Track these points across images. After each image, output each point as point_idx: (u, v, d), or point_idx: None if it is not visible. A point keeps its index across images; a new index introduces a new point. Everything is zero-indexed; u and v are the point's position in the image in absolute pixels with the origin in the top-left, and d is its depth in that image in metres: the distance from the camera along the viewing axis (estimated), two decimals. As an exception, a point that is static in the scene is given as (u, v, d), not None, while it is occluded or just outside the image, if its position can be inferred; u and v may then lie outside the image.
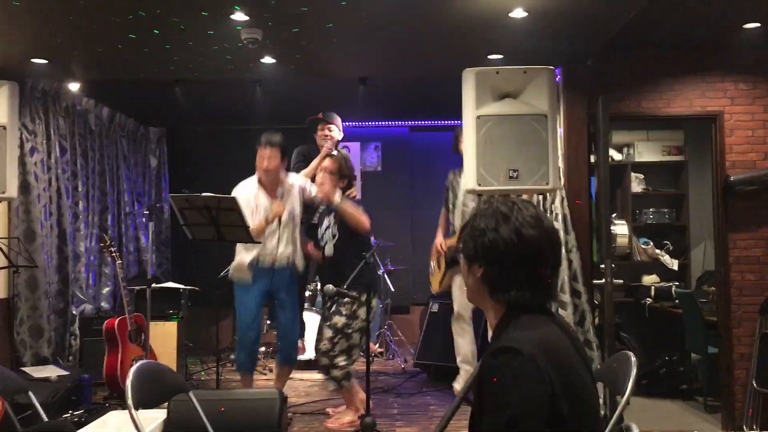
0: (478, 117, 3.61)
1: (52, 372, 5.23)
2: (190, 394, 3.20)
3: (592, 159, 5.08)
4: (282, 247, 4.62)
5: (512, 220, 1.64)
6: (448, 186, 5.21)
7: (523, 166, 3.57)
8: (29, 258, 5.24)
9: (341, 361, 4.36)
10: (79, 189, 6.35)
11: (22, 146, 5.42)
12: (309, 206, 4.98)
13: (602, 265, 4.37)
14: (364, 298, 4.29)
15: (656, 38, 4.80)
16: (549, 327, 1.62)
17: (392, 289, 7.17)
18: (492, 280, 1.65)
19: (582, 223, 4.99)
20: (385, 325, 7.16)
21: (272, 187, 4.68)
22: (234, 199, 4.16)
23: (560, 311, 4.94)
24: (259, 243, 4.45)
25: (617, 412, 2.61)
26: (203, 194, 4.21)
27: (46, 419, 3.02)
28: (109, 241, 5.43)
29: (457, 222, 5.07)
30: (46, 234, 5.73)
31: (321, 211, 4.91)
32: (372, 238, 6.91)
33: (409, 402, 5.16)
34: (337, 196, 4.42)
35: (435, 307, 6.11)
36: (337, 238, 4.50)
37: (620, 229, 6.34)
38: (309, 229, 5.05)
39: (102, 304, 6.71)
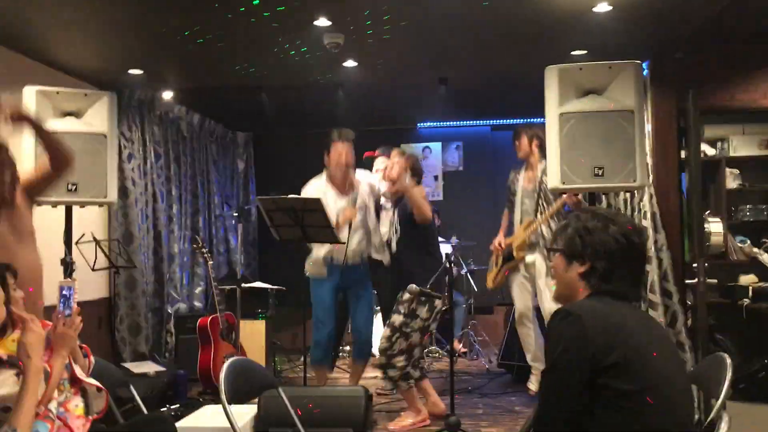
0: (561, 114, 3.56)
1: (150, 368, 5.49)
2: (280, 389, 3.30)
3: (683, 155, 4.92)
4: (354, 244, 4.66)
5: (619, 223, 1.84)
6: (508, 185, 5.17)
7: (608, 164, 3.49)
8: (128, 259, 5.52)
9: (399, 361, 4.30)
10: (173, 193, 6.63)
11: (120, 153, 5.72)
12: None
13: (695, 264, 4.22)
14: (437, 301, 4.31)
15: (749, 27, 4.59)
16: (622, 308, 1.77)
17: (475, 289, 7.13)
18: (596, 274, 1.81)
19: (673, 221, 4.83)
20: (468, 325, 7.13)
21: (342, 184, 4.71)
22: (318, 201, 4.26)
23: (650, 311, 4.80)
24: (344, 243, 4.53)
25: (711, 415, 2.53)
26: (289, 196, 4.32)
27: (145, 412, 3.18)
28: (200, 243, 5.65)
29: (517, 221, 5.01)
30: (143, 236, 6.02)
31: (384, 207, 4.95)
32: (454, 238, 6.96)
33: (494, 402, 5.12)
34: (407, 179, 4.39)
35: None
36: (399, 234, 4.50)
37: (714, 226, 6.07)
38: None
39: (195, 303, 6.99)
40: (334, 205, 4.63)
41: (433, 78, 5.55)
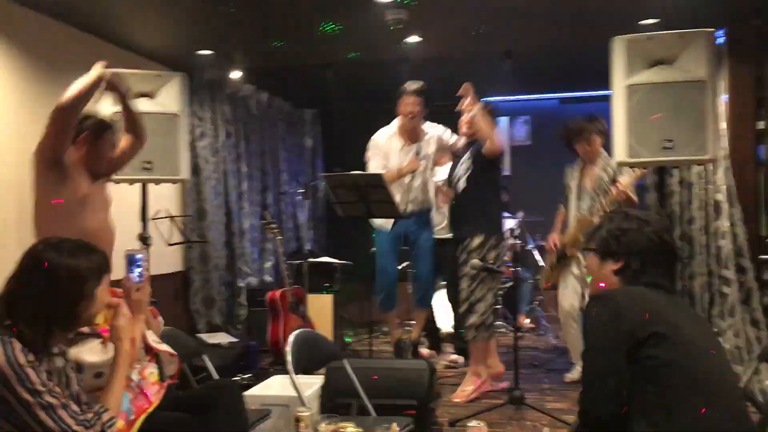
0: (629, 86, 3.47)
1: (223, 339, 5.70)
2: (344, 361, 3.39)
3: (761, 126, 4.73)
4: (414, 193, 4.89)
5: (652, 223, 1.93)
6: (565, 183, 5.02)
7: (678, 136, 3.40)
8: (201, 234, 5.72)
9: (480, 307, 4.39)
10: (243, 170, 6.80)
11: (192, 132, 5.90)
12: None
13: (770, 240, 4.08)
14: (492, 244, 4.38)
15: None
16: (655, 293, 1.82)
17: (542, 265, 7.06)
18: (632, 271, 1.88)
19: (749, 195, 4.68)
20: (535, 301, 7.08)
21: (410, 133, 4.90)
22: (380, 176, 4.31)
23: (724, 288, 4.68)
24: (405, 216, 4.64)
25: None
26: (352, 173, 4.39)
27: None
28: (269, 219, 5.80)
29: (571, 219, 4.85)
30: (215, 212, 6.22)
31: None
32: (520, 213, 6.90)
33: (560, 378, 5.10)
34: (477, 108, 4.48)
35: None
36: (470, 171, 4.55)
37: (794, 200, 5.83)
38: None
39: (265, 277, 7.18)
40: (398, 152, 4.89)
41: (498, 51, 5.47)
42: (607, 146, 4.31)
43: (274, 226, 5.75)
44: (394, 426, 2.35)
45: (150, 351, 2.67)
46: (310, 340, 3.27)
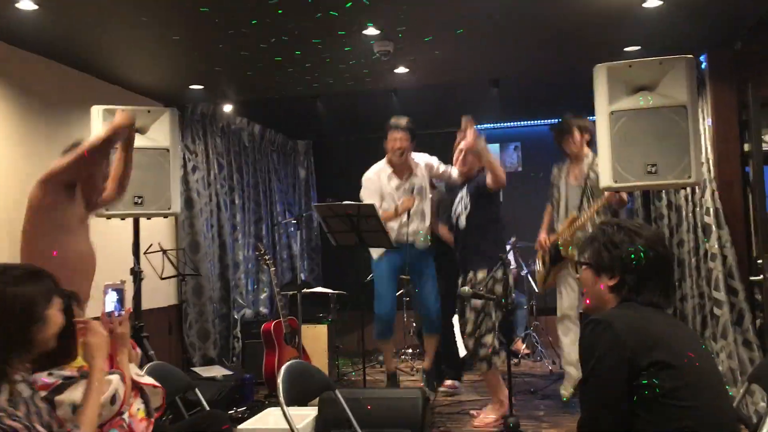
0: (612, 113, 3.53)
1: (218, 372, 5.68)
2: (336, 392, 3.39)
3: (747, 148, 4.78)
4: (413, 225, 4.89)
5: (644, 236, 1.88)
6: (552, 182, 5.07)
7: (661, 161, 3.44)
8: (194, 267, 5.73)
9: (488, 339, 4.44)
10: (236, 202, 6.84)
11: (184, 165, 5.95)
12: (451, 188, 5.17)
13: (760, 261, 4.10)
14: (497, 277, 4.39)
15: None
16: (651, 313, 1.80)
17: (537, 290, 7.08)
18: (626, 287, 1.86)
19: (737, 217, 4.71)
20: (531, 327, 7.08)
21: (401, 168, 4.94)
22: (372, 206, 4.34)
23: (715, 310, 4.69)
24: (396, 248, 4.66)
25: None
26: (344, 202, 4.42)
27: (210, 413, 3.31)
28: (263, 250, 5.82)
29: (561, 217, 4.88)
30: (209, 244, 6.24)
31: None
32: (512, 238, 6.93)
33: (556, 404, 5.08)
34: (482, 141, 4.54)
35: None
36: (469, 210, 4.60)
37: (783, 221, 5.87)
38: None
39: (261, 308, 7.18)
40: (390, 188, 4.92)
41: (485, 80, 5.55)
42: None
43: (267, 257, 5.77)
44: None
45: (134, 385, 2.66)
46: (302, 371, 3.26)
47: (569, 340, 4.87)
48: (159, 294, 5.53)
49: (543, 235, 5.02)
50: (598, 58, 3.86)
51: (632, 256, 1.84)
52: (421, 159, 5.08)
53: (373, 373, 6.45)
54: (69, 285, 2.70)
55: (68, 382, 2.42)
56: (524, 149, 8.25)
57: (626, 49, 4.71)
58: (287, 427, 3.11)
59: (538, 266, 5.20)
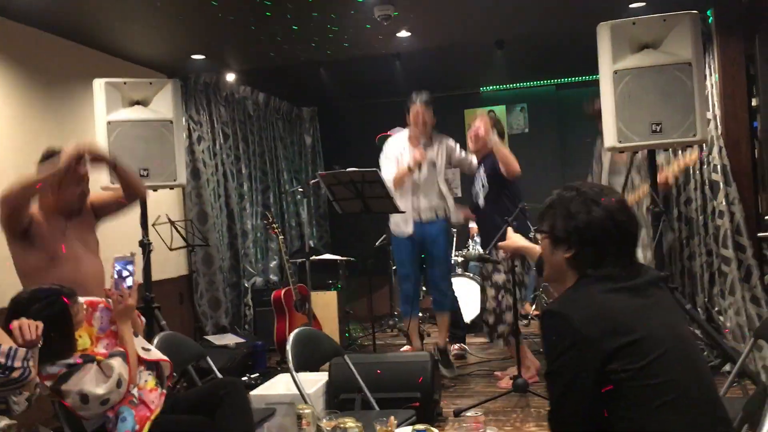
0: (615, 72, 3.48)
1: (230, 340, 5.75)
2: (345, 357, 3.44)
3: (754, 103, 4.73)
4: (423, 200, 4.84)
5: (603, 204, 1.73)
6: (596, 156, 4.97)
7: (666, 119, 3.41)
8: (203, 238, 5.77)
9: (509, 317, 4.49)
10: (243, 171, 6.85)
11: (190, 136, 5.95)
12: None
13: (767, 217, 4.09)
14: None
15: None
16: (610, 290, 1.68)
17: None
18: (584, 260, 1.74)
19: (744, 173, 4.68)
20: (540, 288, 7.11)
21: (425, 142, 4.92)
22: (376, 172, 4.34)
23: (723, 267, 4.69)
24: (404, 213, 4.65)
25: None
26: (348, 170, 4.41)
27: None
28: (271, 218, 5.84)
29: None
30: (216, 214, 6.27)
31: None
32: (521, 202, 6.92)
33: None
34: (494, 135, 4.55)
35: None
36: (487, 189, 4.61)
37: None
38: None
39: (271, 276, 7.23)
40: (407, 157, 4.85)
41: (490, 42, 5.49)
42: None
43: (275, 225, 5.79)
44: (392, 419, 2.38)
45: (141, 362, 2.71)
46: (311, 337, 3.31)
47: None
48: (169, 265, 5.58)
49: None
50: (602, 16, 3.78)
51: (588, 226, 1.72)
52: (444, 138, 5.05)
53: (384, 337, 6.52)
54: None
55: (73, 370, 2.47)
56: (531, 110, 8.18)
57: (631, 5, 4.63)
58: (297, 392, 3.18)
59: None
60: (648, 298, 1.70)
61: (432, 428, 2.46)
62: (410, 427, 2.51)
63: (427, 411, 3.72)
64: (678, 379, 1.60)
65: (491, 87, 8.07)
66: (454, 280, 5.62)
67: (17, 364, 2.13)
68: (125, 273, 2.61)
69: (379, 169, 4.64)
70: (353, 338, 6.51)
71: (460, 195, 7.46)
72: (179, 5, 4.20)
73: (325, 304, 6.11)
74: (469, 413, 2.40)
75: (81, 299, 2.63)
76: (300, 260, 6.24)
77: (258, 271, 6.97)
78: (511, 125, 8.20)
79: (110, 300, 2.68)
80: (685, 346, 1.69)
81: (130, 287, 2.61)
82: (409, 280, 5.00)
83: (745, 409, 1.90)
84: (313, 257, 5.89)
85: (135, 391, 2.63)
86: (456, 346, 5.58)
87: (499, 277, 4.52)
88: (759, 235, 4.49)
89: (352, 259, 6.53)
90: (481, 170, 4.73)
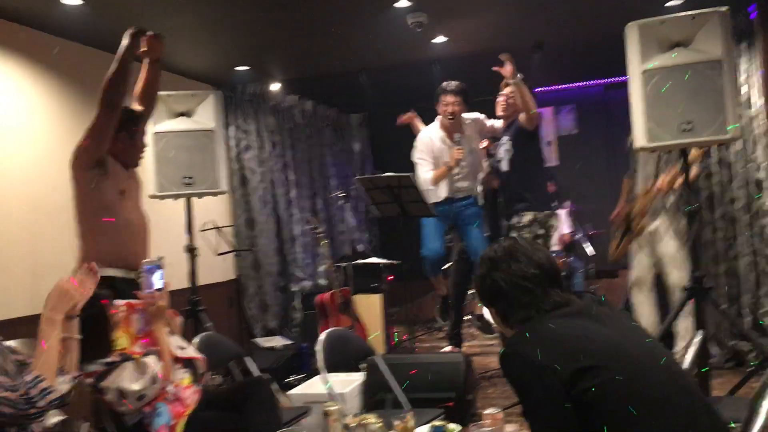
0: (644, 71, 3.46)
1: (278, 342, 5.93)
2: (377, 357, 3.53)
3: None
4: (461, 181, 4.98)
5: (501, 263, 1.87)
6: (632, 149, 4.94)
7: (697, 118, 3.36)
8: (252, 243, 5.96)
9: None
10: (290, 178, 7.02)
11: (237, 144, 6.16)
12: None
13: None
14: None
15: None
16: (558, 320, 1.74)
17: (593, 253, 7.01)
18: (503, 315, 1.89)
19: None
20: (589, 291, 7.04)
21: (451, 130, 4.99)
22: (410, 177, 4.42)
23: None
24: (435, 216, 4.74)
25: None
26: (384, 174, 4.51)
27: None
28: (315, 224, 5.99)
29: (640, 187, 4.76)
30: (264, 221, 6.45)
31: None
32: (568, 202, 6.88)
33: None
34: (518, 76, 4.56)
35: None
36: (511, 153, 4.66)
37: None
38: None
39: (320, 281, 7.37)
40: (441, 150, 4.99)
41: (528, 43, 5.49)
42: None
43: (319, 230, 5.93)
44: (409, 416, 2.45)
45: (177, 360, 2.85)
46: (342, 338, 3.41)
47: (645, 309, 4.69)
48: (217, 269, 5.78)
49: (619, 207, 4.82)
50: (640, 15, 3.75)
51: (491, 287, 1.88)
52: (470, 116, 5.15)
53: (430, 340, 6.57)
54: (123, 254, 2.92)
55: (111, 368, 2.63)
56: (579, 111, 8.11)
57: (667, 4, 4.58)
58: (336, 392, 3.29)
59: (613, 239, 5.03)
60: (593, 317, 1.75)
61: (450, 425, 2.53)
62: (428, 425, 2.59)
63: (460, 411, 3.77)
64: (650, 387, 1.61)
65: (537, 89, 8.02)
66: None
67: (41, 403, 2.06)
68: (154, 277, 2.76)
69: (414, 169, 4.75)
70: (400, 340, 6.58)
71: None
72: (222, 19, 4.38)
73: (369, 306, 6.20)
74: (487, 411, 2.44)
75: (119, 302, 2.80)
76: (342, 264, 6.36)
77: (307, 275, 7.12)
78: (558, 126, 8.15)
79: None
80: (646, 355, 1.70)
81: (160, 290, 2.76)
82: (430, 243, 5.07)
83: (751, 405, 1.88)
84: (356, 261, 6.00)
85: (170, 388, 2.77)
86: None
87: None
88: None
89: (394, 262, 6.60)
90: (505, 137, 4.77)
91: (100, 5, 3.92)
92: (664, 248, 4.49)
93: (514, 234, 4.60)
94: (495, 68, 4.61)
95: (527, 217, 4.51)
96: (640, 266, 4.73)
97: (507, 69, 4.57)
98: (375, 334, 5.81)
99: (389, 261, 6.56)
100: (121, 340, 2.77)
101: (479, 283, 1.94)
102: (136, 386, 2.62)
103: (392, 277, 6.55)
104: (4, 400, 1.98)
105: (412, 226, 5.47)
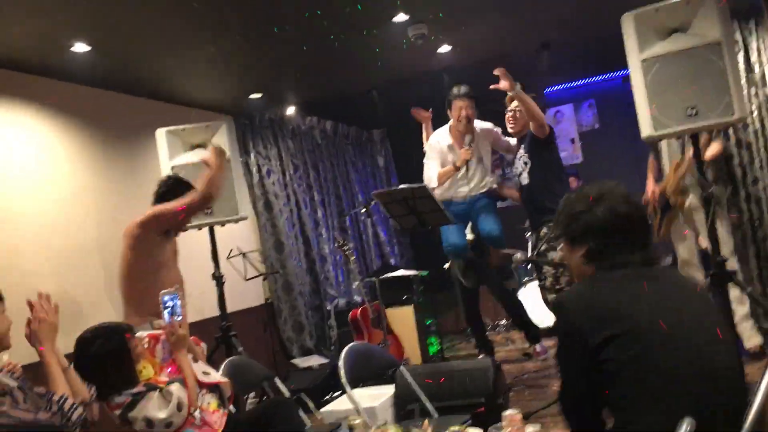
0: (644, 60, 3.45)
1: (315, 361, 5.98)
2: (402, 369, 3.55)
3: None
4: (473, 185, 5.03)
5: (604, 201, 1.85)
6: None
7: (701, 102, 3.33)
8: (282, 265, 6.05)
9: None
10: (316, 198, 7.11)
11: (259, 170, 6.28)
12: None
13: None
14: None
15: None
16: (618, 279, 1.79)
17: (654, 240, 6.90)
18: (596, 255, 1.85)
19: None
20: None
21: (462, 135, 5.03)
22: (425, 188, 4.45)
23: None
24: (454, 223, 4.78)
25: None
26: (399, 187, 4.55)
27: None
28: (341, 241, 6.05)
29: (665, 164, 4.73)
30: (292, 243, 6.54)
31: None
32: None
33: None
34: (517, 86, 4.53)
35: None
36: (529, 165, 4.64)
37: None
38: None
39: (355, 297, 7.43)
40: (451, 156, 5.03)
41: (535, 44, 5.50)
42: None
43: (346, 247, 5.99)
44: (426, 422, 2.49)
45: (202, 385, 2.92)
46: (365, 352, 3.44)
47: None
48: (247, 295, 5.88)
49: (650, 186, 4.87)
50: (641, 3, 3.70)
51: (592, 222, 1.85)
52: (484, 125, 5.18)
53: (468, 347, 6.56)
54: None
55: (137, 398, 2.71)
56: (599, 105, 8.04)
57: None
58: (367, 405, 3.34)
59: (651, 219, 4.95)
60: (655, 285, 1.78)
61: (470, 429, 2.54)
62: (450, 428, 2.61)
63: (491, 416, 3.76)
64: (674, 365, 1.64)
65: (555, 87, 8.00)
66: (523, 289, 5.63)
67: (73, 417, 2.30)
68: (174, 306, 2.84)
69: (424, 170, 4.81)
70: (438, 351, 6.58)
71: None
72: (229, 50, 4.50)
73: (402, 319, 6.22)
74: (507, 412, 2.45)
75: (143, 333, 2.90)
76: (374, 279, 6.40)
77: (340, 292, 7.19)
78: (580, 122, 8.09)
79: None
80: (684, 331, 1.69)
81: (180, 318, 2.84)
82: (449, 237, 5.07)
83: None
84: (385, 275, 6.04)
85: (197, 413, 2.84)
86: (538, 348, 5.53)
87: (555, 255, 4.40)
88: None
89: (421, 273, 6.62)
90: (522, 150, 4.74)
91: (107, 49, 4.06)
92: (702, 220, 4.44)
93: (518, 255, 4.58)
94: (493, 86, 4.62)
95: (545, 228, 4.47)
96: (683, 248, 4.70)
97: (504, 83, 4.58)
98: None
99: (418, 272, 6.59)
100: (147, 370, 2.85)
101: (574, 217, 1.90)
102: (162, 414, 2.69)
103: (422, 288, 6.59)
104: (48, 425, 2.18)
105: (439, 235, 5.51)
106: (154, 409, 2.70)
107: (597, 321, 1.70)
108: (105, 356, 2.61)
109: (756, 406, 1.53)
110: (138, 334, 2.88)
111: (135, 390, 2.73)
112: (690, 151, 4.29)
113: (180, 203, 3.49)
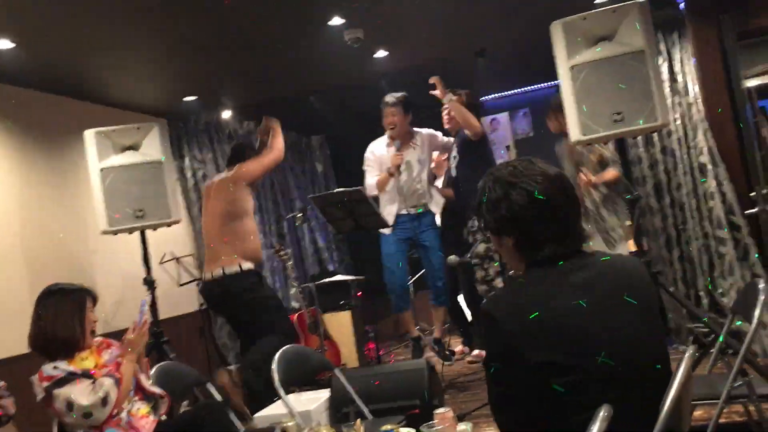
0: (572, 67, 3.56)
1: (251, 368, 5.88)
2: (336, 371, 3.54)
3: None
4: (410, 198, 5.00)
5: (519, 185, 1.66)
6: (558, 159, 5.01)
7: (626, 108, 3.46)
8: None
9: (498, 282, 4.55)
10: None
11: (194, 174, 6.17)
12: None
13: (751, 194, 4.09)
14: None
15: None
16: (552, 280, 1.62)
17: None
18: (525, 245, 1.68)
19: (732, 153, 4.67)
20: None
21: (402, 141, 5.06)
22: (360, 191, 4.46)
23: (720, 248, 4.67)
24: (390, 226, 4.77)
25: (746, 341, 2.53)
26: (334, 191, 4.55)
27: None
28: (278, 246, 6.00)
29: None
30: (229, 248, 6.43)
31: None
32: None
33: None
34: (449, 95, 4.75)
35: None
36: (458, 159, 4.76)
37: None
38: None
39: (292, 303, 7.36)
40: (386, 158, 5.07)
41: (471, 51, 5.59)
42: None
43: (282, 253, 5.94)
44: (358, 422, 2.49)
45: (141, 391, 2.88)
46: (299, 355, 3.42)
47: None
48: (182, 301, 5.76)
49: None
50: (571, 12, 3.80)
51: (511, 212, 1.66)
52: (425, 131, 5.23)
53: (407, 353, 6.58)
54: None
55: (70, 378, 2.66)
56: (534, 113, 8.22)
57: (596, 1, 4.69)
58: (301, 409, 3.31)
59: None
60: (589, 289, 1.60)
61: (401, 429, 2.56)
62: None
63: (426, 417, 3.78)
64: (611, 383, 1.53)
65: (491, 95, 8.14)
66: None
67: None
68: (141, 311, 2.87)
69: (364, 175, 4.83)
70: (376, 356, 6.57)
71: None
72: (165, 52, 4.42)
73: (339, 324, 6.21)
74: (438, 411, 2.46)
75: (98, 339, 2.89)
76: (310, 284, 6.37)
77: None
78: (515, 131, 8.25)
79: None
80: (620, 341, 1.57)
81: (140, 323, 2.85)
82: (393, 274, 5.06)
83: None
84: (321, 280, 6.03)
85: (124, 415, 2.78)
86: (475, 352, 5.59)
87: (482, 246, 4.58)
88: (746, 212, 4.45)
89: (360, 278, 6.62)
90: (454, 145, 4.92)
91: (33, 46, 3.94)
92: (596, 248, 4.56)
93: (471, 238, 4.68)
94: (431, 92, 4.79)
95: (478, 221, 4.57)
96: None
97: (438, 92, 4.77)
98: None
99: (355, 277, 6.59)
100: (87, 361, 2.82)
101: (492, 208, 1.69)
102: (85, 401, 2.65)
103: (361, 293, 6.57)
104: None
105: (378, 239, 5.52)
106: (80, 394, 2.65)
107: (530, 333, 1.53)
108: (62, 305, 2.76)
109: (670, 401, 1.56)
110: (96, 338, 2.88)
111: (71, 368, 2.69)
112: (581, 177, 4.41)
113: (264, 161, 4.55)
